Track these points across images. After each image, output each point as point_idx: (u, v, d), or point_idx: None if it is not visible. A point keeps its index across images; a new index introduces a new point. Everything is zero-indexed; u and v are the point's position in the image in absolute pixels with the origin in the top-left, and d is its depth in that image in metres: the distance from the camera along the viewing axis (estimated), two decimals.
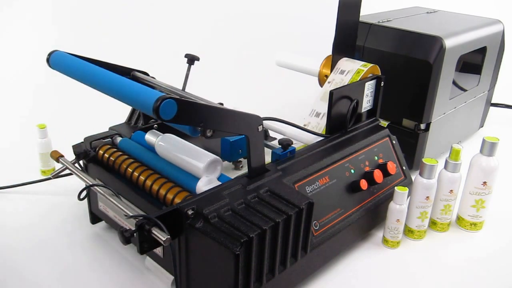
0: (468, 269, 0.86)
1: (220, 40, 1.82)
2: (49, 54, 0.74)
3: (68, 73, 0.72)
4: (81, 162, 0.86)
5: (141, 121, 0.94)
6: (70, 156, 0.84)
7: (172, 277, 0.75)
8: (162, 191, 0.74)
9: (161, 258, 0.75)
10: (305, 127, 0.93)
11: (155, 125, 0.92)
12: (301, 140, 0.91)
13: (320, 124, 0.89)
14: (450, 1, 1.75)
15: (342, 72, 0.95)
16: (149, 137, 0.82)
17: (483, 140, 0.90)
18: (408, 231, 0.92)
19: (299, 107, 1.05)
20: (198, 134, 0.66)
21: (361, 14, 0.98)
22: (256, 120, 0.69)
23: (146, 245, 0.63)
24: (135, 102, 0.59)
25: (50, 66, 0.75)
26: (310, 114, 0.94)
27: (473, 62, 1.25)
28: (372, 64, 0.94)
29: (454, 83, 1.15)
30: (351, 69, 0.95)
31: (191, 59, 0.74)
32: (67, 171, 0.86)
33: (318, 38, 1.42)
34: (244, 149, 0.82)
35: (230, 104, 0.92)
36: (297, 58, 1.15)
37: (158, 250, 0.75)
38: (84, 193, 0.75)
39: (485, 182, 0.91)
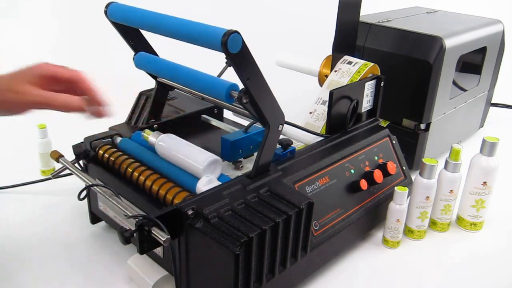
0: (468, 269, 0.86)
1: None
2: (106, 6, 0.76)
3: (128, 21, 0.74)
4: (81, 162, 0.86)
5: (141, 121, 0.94)
6: (70, 156, 0.84)
7: (152, 283, 0.74)
8: (162, 191, 0.74)
9: (161, 258, 0.75)
10: (311, 115, 0.94)
11: (155, 125, 0.92)
12: (301, 140, 0.91)
13: (326, 112, 0.89)
14: (450, 1, 1.74)
15: (349, 62, 0.96)
16: (150, 137, 0.82)
17: (483, 140, 0.89)
18: (408, 231, 0.92)
19: (299, 107, 1.05)
20: (232, 101, 0.68)
21: (361, 14, 0.98)
22: (282, 116, 0.71)
23: (146, 245, 0.63)
24: (201, 39, 0.62)
25: (108, 18, 0.77)
26: (316, 102, 0.95)
27: (473, 62, 1.25)
28: (372, 63, 0.95)
29: (454, 83, 1.15)
30: (358, 61, 0.96)
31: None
32: (67, 171, 0.86)
33: (318, 37, 1.42)
34: (244, 149, 0.82)
35: None
36: (297, 58, 1.15)
37: (158, 250, 0.75)
38: (84, 193, 0.75)
39: (485, 182, 0.91)
